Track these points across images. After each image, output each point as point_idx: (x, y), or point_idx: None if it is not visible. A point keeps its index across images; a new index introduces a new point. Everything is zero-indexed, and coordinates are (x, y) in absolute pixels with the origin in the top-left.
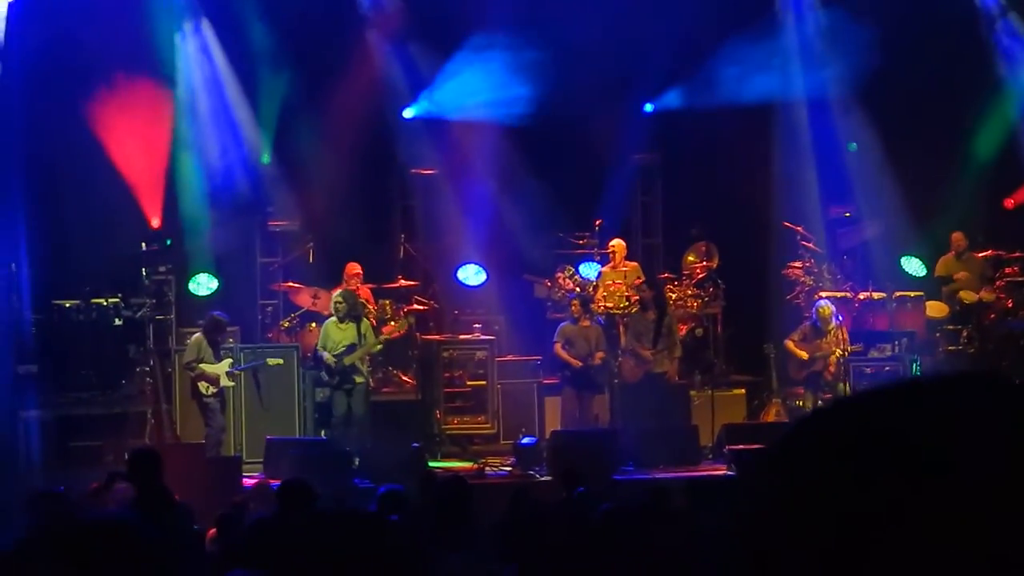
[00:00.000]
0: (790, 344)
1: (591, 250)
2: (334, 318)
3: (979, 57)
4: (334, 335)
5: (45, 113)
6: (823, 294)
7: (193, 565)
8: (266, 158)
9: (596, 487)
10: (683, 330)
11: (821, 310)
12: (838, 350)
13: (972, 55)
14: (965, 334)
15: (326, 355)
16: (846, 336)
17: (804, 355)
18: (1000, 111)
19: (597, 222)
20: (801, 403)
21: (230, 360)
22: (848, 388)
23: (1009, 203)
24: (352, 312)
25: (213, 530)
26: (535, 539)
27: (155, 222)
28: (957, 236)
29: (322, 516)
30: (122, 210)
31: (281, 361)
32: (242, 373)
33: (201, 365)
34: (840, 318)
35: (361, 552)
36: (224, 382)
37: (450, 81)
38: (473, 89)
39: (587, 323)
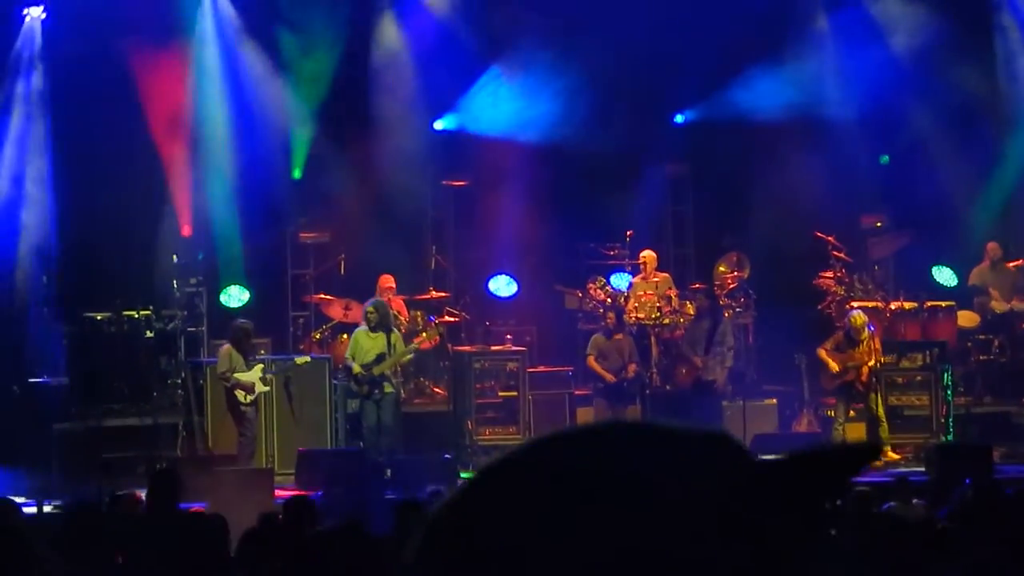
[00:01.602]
0: (823, 353)
1: (622, 260)
2: (364, 328)
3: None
4: (364, 344)
5: (74, 122)
6: (855, 304)
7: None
8: (297, 172)
9: None
10: (732, 340)
11: (854, 319)
12: (870, 360)
13: (1006, 61)
14: (996, 344)
15: (354, 365)
16: (879, 346)
17: (835, 366)
18: None
19: (628, 233)
20: (832, 413)
21: (262, 366)
22: (879, 399)
23: None
24: (383, 322)
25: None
26: None
27: (185, 230)
28: (992, 246)
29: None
30: (153, 221)
31: (309, 359)
32: (274, 380)
33: (235, 375)
34: (872, 328)
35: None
36: (259, 388)
37: (481, 95)
38: (505, 104)
39: (620, 335)
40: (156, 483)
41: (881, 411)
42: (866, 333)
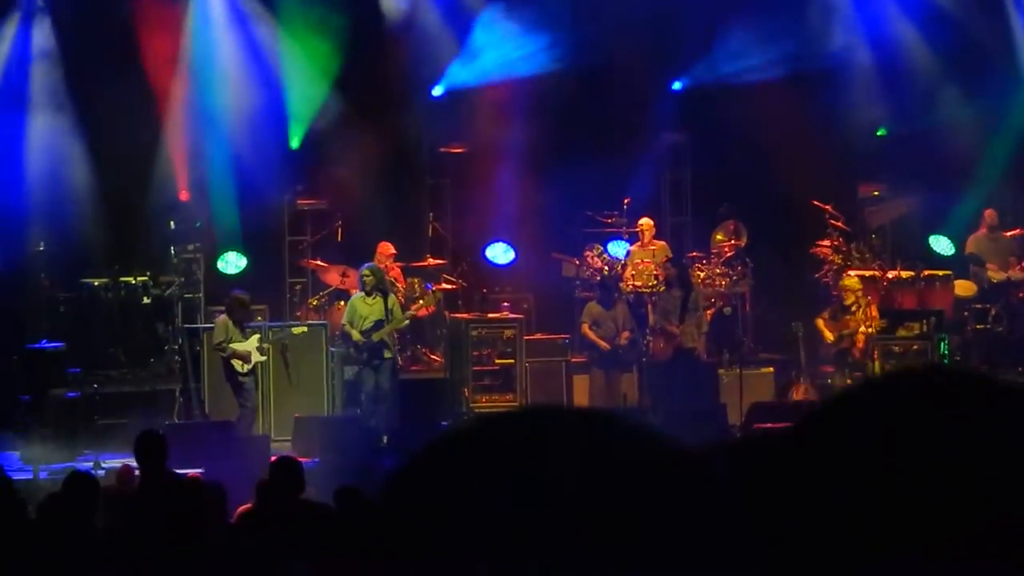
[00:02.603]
0: (820, 322)
1: (620, 228)
2: (360, 293)
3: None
4: (361, 310)
5: (76, 88)
6: (851, 272)
7: (216, 541)
8: (296, 142)
9: None
10: (712, 309)
11: (846, 286)
12: (866, 328)
13: (1005, 31)
14: (993, 313)
15: (353, 332)
16: (875, 313)
17: (831, 335)
18: None
19: (626, 201)
20: (831, 381)
21: (258, 335)
22: (876, 367)
23: None
24: (379, 286)
25: (244, 507)
26: None
27: (183, 195)
28: (990, 213)
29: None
30: (150, 187)
31: (305, 329)
32: (271, 348)
33: (231, 345)
34: (869, 295)
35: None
36: (256, 357)
37: (479, 51)
38: (502, 55)
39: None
40: (140, 446)
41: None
42: (859, 300)
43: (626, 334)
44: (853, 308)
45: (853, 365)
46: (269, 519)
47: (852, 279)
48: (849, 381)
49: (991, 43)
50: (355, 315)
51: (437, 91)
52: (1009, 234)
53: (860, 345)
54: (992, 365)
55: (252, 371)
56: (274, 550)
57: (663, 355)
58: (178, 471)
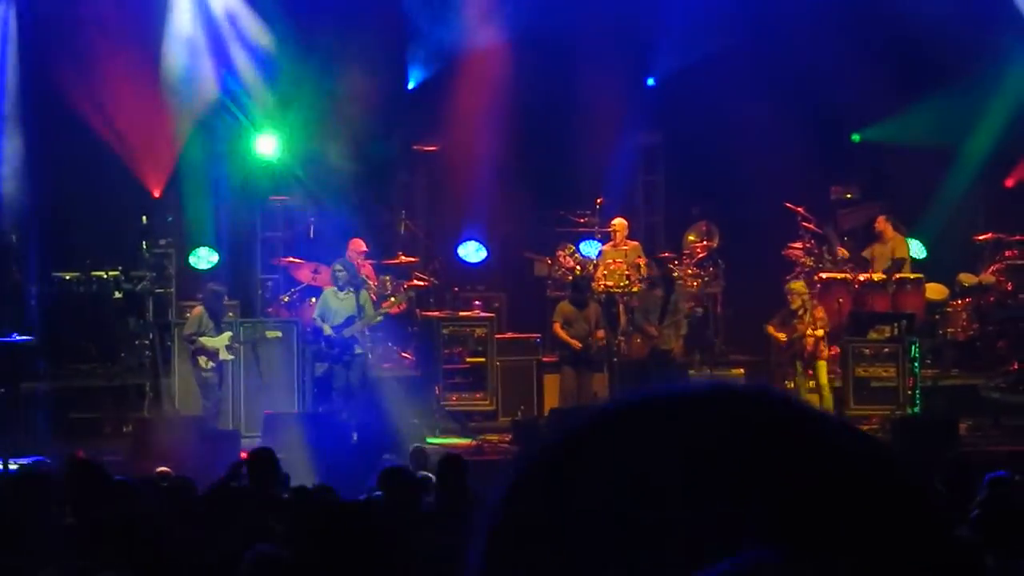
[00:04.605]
0: (770, 328)
1: (592, 228)
2: (332, 288)
3: (982, 35)
4: (333, 305)
5: (45, 81)
6: (822, 275)
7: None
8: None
9: None
10: (687, 308)
11: (792, 289)
12: (813, 330)
13: (976, 31)
14: (965, 317)
15: (325, 327)
16: (821, 315)
17: (782, 337)
18: (1004, 89)
19: (598, 200)
20: (792, 384)
21: (230, 334)
22: (823, 369)
23: (1009, 182)
24: (351, 282)
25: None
26: None
27: (156, 192)
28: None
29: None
30: (123, 181)
31: (279, 334)
32: (241, 347)
33: (201, 339)
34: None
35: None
36: (224, 356)
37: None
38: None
39: (587, 303)
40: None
41: (824, 380)
42: (805, 304)
43: (600, 333)
44: (800, 312)
45: (805, 367)
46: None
47: (797, 283)
48: (812, 384)
49: (967, 51)
50: (327, 311)
51: (412, 83)
52: (981, 238)
53: (809, 347)
54: (963, 369)
55: (218, 367)
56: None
57: (639, 354)
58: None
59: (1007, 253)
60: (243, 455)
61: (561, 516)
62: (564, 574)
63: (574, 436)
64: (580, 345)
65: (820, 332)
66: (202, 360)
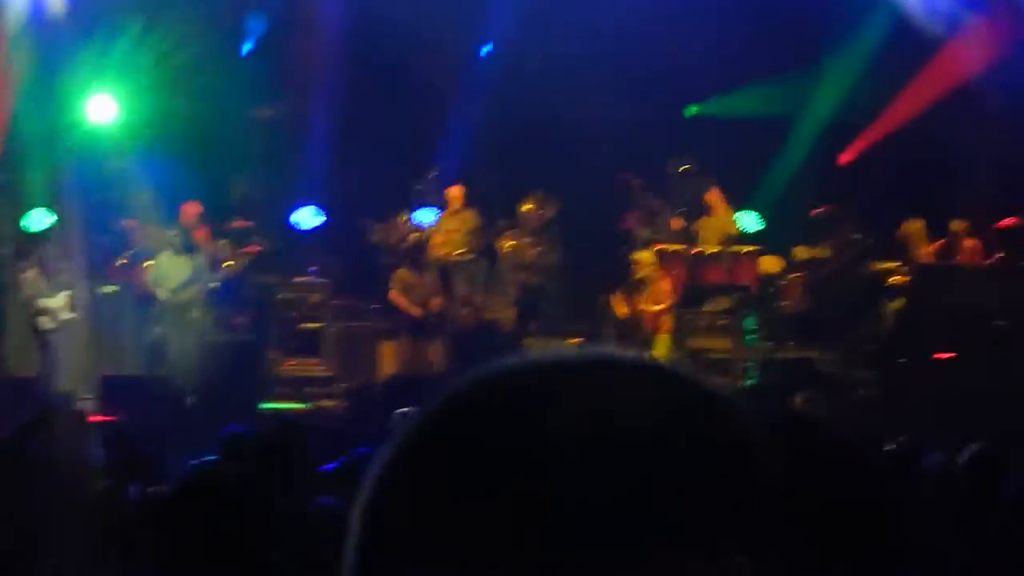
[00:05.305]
0: (613, 298)
1: (428, 195)
2: (168, 251)
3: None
4: (168, 269)
5: None
6: (658, 247)
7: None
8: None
9: None
10: (515, 279)
11: (637, 260)
12: (653, 304)
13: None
14: (800, 290)
15: (160, 291)
16: (665, 288)
17: (624, 310)
18: (844, 60)
19: (433, 172)
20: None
21: (68, 292)
22: (666, 342)
23: (844, 159)
24: (187, 245)
25: None
26: None
27: None
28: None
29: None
30: None
31: (117, 288)
32: (78, 307)
33: (40, 300)
34: (660, 271)
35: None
36: (64, 315)
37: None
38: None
39: (423, 271)
40: None
41: (660, 353)
42: (650, 275)
43: (437, 300)
44: (645, 282)
45: (647, 340)
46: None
47: (643, 253)
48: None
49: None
50: (161, 273)
51: (246, 48)
52: (814, 212)
53: (648, 321)
54: (798, 341)
55: (59, 327)
56: None
57: (466, 324)
58: None
59: (843, 228)
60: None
61: (445, 481)
62: (444, 542)
63: (463, 396)
64: (419, 311)
65: (660, 306)
66: (43, 320)
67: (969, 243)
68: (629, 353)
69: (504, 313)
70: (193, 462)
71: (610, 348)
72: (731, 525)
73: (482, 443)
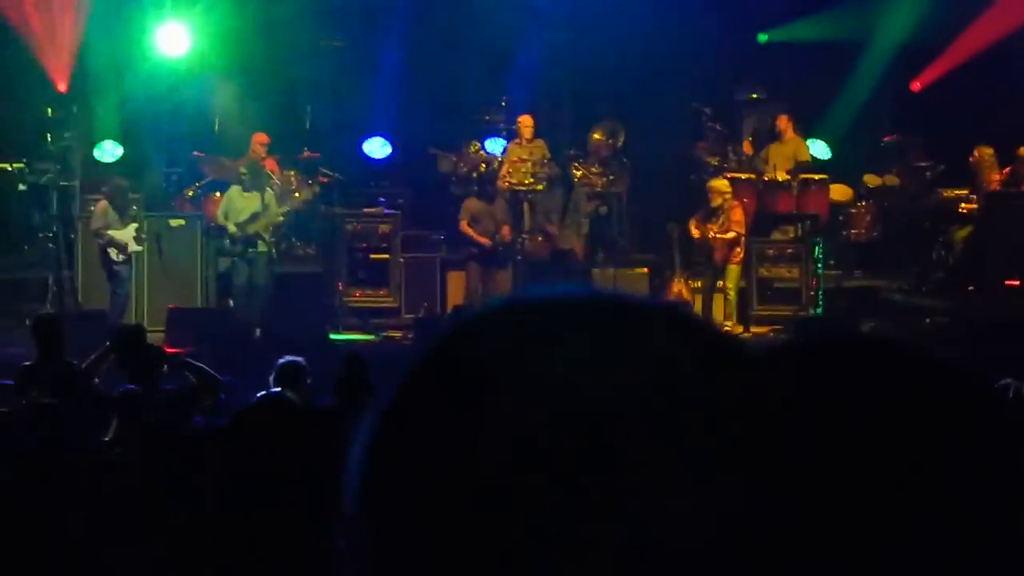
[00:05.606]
0: (691, 223)
1: (498, 125)
2: (238, 186)
3: None
4: (237, 203)
5: None
6: (728, 175)
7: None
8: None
9: None
10: (588, 208)
11: (713, 187)
12: (728, 232)
13: None
14: (868, 218)
15: (228, 224)
16: (738, 217)
17: (696, 233)
18: None
19: (503, 98)
20: (701, 283)
21: (136, 224)
22: (734, 272)
23: (915, 86)
24: (256, 182)
25: None
26: None
27: (62, 86)
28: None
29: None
30: (28, 74)
31: (183, 221)
32: (146, 241)
33: (109, 232)
34: (734, 200)
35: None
36: (133, 247)
37: None
38: None
39: (494, 199)
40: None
41: (731, 284)
42: (726, 203)
43: (506, 229)
44: (720, 210)
45: (717, 268)
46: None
47: (720, 181)
48: (721, 284)
49: None
50: (231, 207)
51: None
52: (887, 139)
53: (719, 248)
54: (865, 270)
55: (128, 259)
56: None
57: (538, 253)
58: None
59: (912, 155)
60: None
61: (455, 412)
62: (448, 469)
63: (476, 327)
64: (488, 242)
65: (731, 235)
66: (112, 252)
67: None
68: (641, 296)
69: (577, 242)
70: (260, 394)
71: (625, 291)
72: (724, 460)
73: (481, 378)
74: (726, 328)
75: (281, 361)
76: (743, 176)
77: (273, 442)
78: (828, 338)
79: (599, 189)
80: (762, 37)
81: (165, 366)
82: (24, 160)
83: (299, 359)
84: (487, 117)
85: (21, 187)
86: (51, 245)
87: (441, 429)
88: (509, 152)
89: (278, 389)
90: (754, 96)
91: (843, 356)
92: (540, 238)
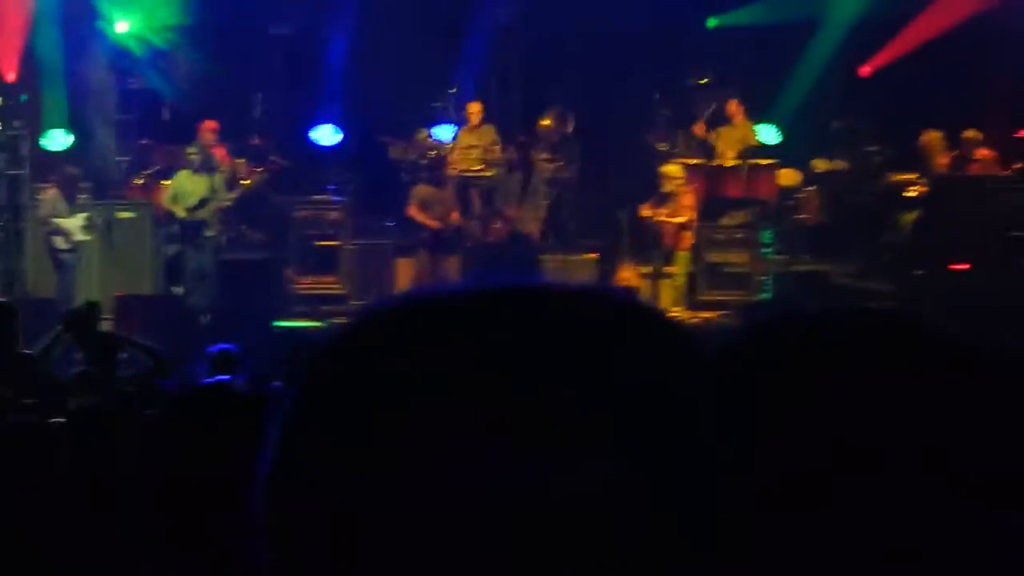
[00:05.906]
0: (644, 210)
1: (447, 112)
2: (186, 170)
3: None
4: (186, 186)
5: None
6: (677, 160)
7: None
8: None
9: None
10: (547, 192)
11: (665, 172)
12: (676, 217)
13: None
14: (817, 203)
15: (177, 209)
16: (689, 203)
17: (648, 214)
18: None
19: (452, 85)
20: (654, 269)
21: (85, 214)
22: (684, 256)
23: (864, 71)
24: (205, 164)
25: None
26: None
27: (10, 76)
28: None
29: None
30: None
31: (132, 215)
32: (95, 229)
33: (56, 220)
34: (687, 185)
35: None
36: (79, 236)
37: None
38: None
39: (442, 185)
40: None
41: (679, 269)
42: (678, 188)
43: (455, 214)
44: (672, 195)
45: (669, 253)
46: None
47: (672, 166)
48: (668, 269)
49: None
50: (180, 190)
51: None
52: (835, 123)
53: (668, 234)
54: (814, 255)
55: (74, 248)
56: None
57: (497, 238)
58: None
59: (862, 140)
60: None
61: (354, 404)
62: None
63: (382, 320)
64: (437, 224)
65: (681, 218)
66: (58, 240)
67: (983, 153)
68: (566, 282)
69: (536, 226)
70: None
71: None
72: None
73: (393, 367)
74: (672, 314)
75: (212, 349)
76: (691, 161)
77: (217, 428)
78: (789, 315)
79: (548, 175)
80: (711, 22)
81: (125, 353)
82: None
83: (230, 346)
84: (436, 104)
85: None
86: (0, 234)
87: (334, 425)
88: (458, 138)
89: (227, 376)
90: (704, 81)
91: (809, 329)
92: (498, 223)
